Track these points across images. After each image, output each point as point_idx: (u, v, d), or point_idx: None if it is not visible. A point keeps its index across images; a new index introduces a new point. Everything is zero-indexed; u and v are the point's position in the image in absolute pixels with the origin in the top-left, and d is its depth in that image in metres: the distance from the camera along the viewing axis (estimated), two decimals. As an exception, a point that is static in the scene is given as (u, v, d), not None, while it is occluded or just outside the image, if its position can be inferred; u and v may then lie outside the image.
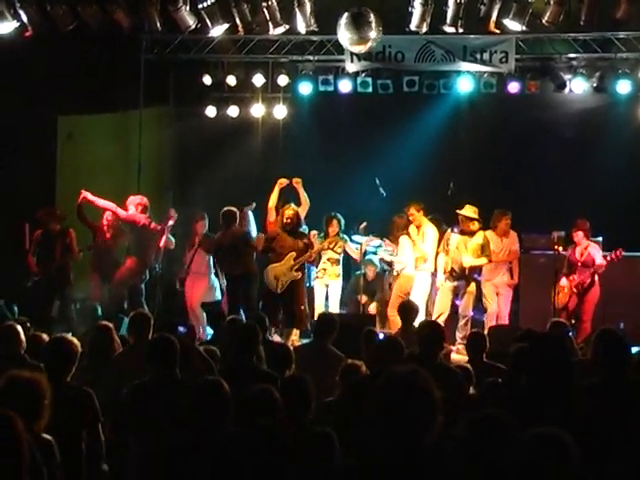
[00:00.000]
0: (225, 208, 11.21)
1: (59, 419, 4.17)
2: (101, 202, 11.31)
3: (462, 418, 3.74)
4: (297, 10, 11.78)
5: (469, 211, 11.11)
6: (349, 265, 11.96)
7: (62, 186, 13.08)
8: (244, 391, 4.81)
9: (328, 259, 11.38)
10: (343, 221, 11.35)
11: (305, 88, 13.11)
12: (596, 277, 10.80)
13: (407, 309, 8.77)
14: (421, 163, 12.60)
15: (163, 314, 10.13)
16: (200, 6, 11.83)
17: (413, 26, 11.72)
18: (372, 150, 12.90)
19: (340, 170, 12.87)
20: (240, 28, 12.22)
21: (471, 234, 11.07)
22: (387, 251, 11.60)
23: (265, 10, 11.83)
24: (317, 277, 11.50)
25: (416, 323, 8.51)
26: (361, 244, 11.35)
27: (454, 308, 11.24)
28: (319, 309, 11.16)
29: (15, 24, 11.82)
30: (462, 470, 3.26)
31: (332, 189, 12.38)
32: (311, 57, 12.96)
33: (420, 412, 3.04)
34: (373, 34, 10.91)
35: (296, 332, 10.80)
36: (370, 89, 12.83)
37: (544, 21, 11.53)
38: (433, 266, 11.22)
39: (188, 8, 11.89)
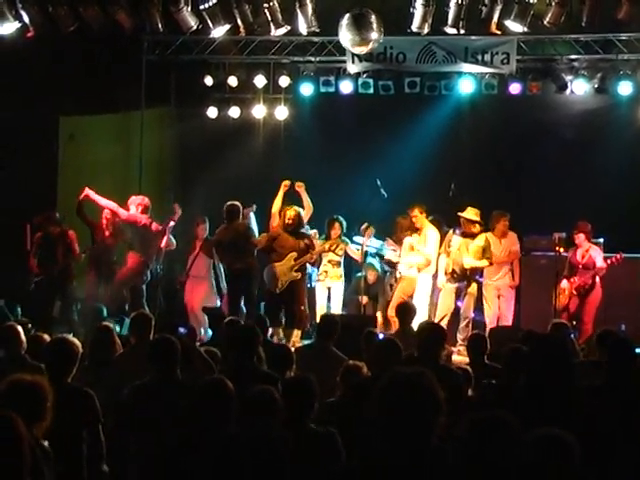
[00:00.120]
0: (229, 202, 11.20)
1: (60, 420, 4.16)
2: (103, 201, 11.29)
3: (463, 419, 3.74)
4: (298, 11, 11.78)
5: (471, 213, 11.11)
6: (350, 267, 11.94)
7: (64, 187, 13.09)
8: (245, 392, 4.81)
9: (329, 261, 11.38)
10: (345, 224, 11.35)
11: (306, 89, 13.11)
12: (597, 279, 10.79)
13: (404, 310, 8.76)
14: (422, 164, 12.60)
15: (164, 315, 10.13)
16: (201, 7, 11.84)
17: (414, 27, 11.73)
18: (373, 151, 12.89)
19: (341, 171, 12.87)
20: (241, 29, 12.23)
21: (473, 236, 11.08)
22: (391, 251, 11.57)
23: (266, 11, 11.83)
24: (319, 280, 11.50)
25: (414, 324, 8.54)
26: (361, 245, 11.34)
27: (455, 309, 11.24)
28: (321, 311, 11.15)
29: (17, 25, 11.83)
30: (464, 471, 3.26)
31: (333, 190, 12.38)
32: (312, 58, 12.97)
33: (423, 413, 3.04)
34: (374, 35, 10.91)
35: (297, 333, 10.80)
36: (371, 90, 12.83)
37: (545, 22, 11.53)
38: (435, 268, 11.21)
39: (190, 9, 11.90)
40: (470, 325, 11.01)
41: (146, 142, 13.26)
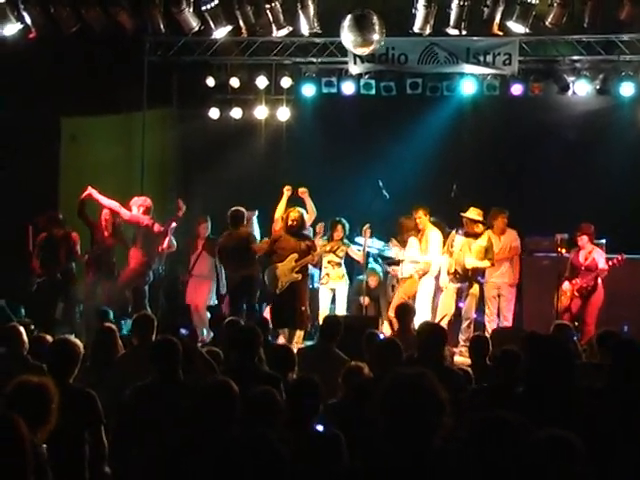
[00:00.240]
0: (233, 208, 11.19)
1: (62, 421, 4.16)
2: (105, 201, 11.27)
3: (465, 419, 3.73)
4: (300, 12, 11.79)
5: (473, 213, 11.11)
6: (352, 268, 11.92)
7: (65, 188, 13.10)
8: (246, 392, 4.81)
9: (329, 262, 11.36)
10: (348, 226, 11.34)
11: (308, 90, 13.12)
12: (599, 280, 10.79)
13: (404, 311, 8.74)
14: (424, 165, 12.60)
15: (166, 316, 10.13)
16: (203, 8, 11.85)
17: (416, 28, 11.73)
18: (375, 152, 12.89)
19: (343, 172, 12.86)
20: (243, 30, 12.24)
21: (475, 236, 11.07)
22: (395, 249, 11.56)
23: (268, 12, 11.83)
24: (322, 283, 11.48)
25: (415, 326, 8.54)
26: (363, 246, 11.33)
27: (457, 310, 11.24)
28: (324, 312, 11.14)
29: (19, 26, 11.85)
30: (468, 472, 3.25)
31: (335, 191, 12.37)
32: (314, 59, 12.97)
33: (425, 414, 3.03)
34: (376, 36, 10.91)
35: (300, 334, 10.79)
36: (373, 91, 12.83)
37: (547, 23, 11.53)
38: (437, 269, 11.20)
39: (191, 10, 11.91)
40: (472, 326, 11.00)
41: (148, 143, 13.26)
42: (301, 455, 4.49)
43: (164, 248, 11.34)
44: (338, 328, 7.53)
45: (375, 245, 11.77)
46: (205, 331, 11.06)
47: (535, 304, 11.26)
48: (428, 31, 11.74)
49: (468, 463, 3.34)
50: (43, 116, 12.51)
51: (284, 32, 12.14)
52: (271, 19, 11.91)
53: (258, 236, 11.59)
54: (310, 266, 11.22)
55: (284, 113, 13.60)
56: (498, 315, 11.20)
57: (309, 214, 11.27)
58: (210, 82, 13.17)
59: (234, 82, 13.19)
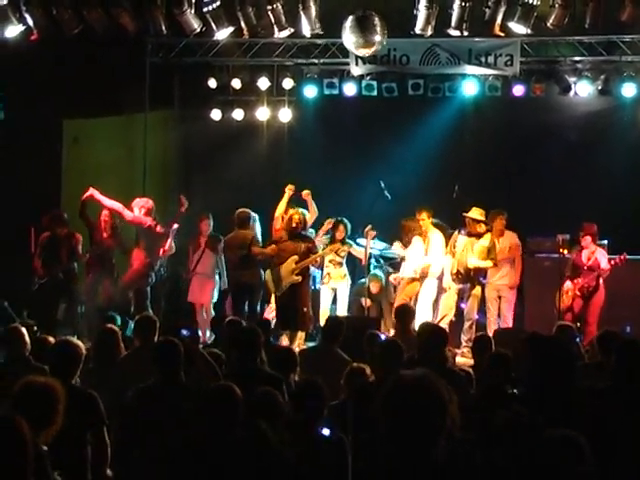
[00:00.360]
0: (240, 209, 11.21)
1: (64, 422, 4.16)
2: (108, 202, 11.25)
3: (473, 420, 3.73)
4: (302, 13, 11.80)
5: (476, 213, 11.11)
6: (354, 269, 11.91)
7: (68, 189, 13.10)
8: (248, 394, 4.81)
9: (330, 261, 11.35)
10: (350, 226, 11.33)
11: (310, 91, 13.12)
12: (601, 280, 10.78)
13: (404, 312, 8.75)
14: (426, 166, 12.61)
15: (167, 317, 10.13)
16: (205, 9, 11.86)
17: (418, 29, 11.73)
18: (377, 153, 12.89)
19: (345, 173, 12.88)
20: (245, 31, 12.24)
21: (478, 236, 11.07)
22: (398, 249, 11.56)
23: (270, 13, 11.84)
24: (323, 283, 11.47)
25: (413, 326, 8.55)
26: (365, 247, 11.33)
27: (458, 311, 11.23)
28: (325, 313, 11.15)
29: (21, 28, 11.87)
30: (474, 474, 3.24)
31: (337, 192, 12.38)
32: (316, 60, 12.97)
33: (429, 415, 3.02)
34: (378, 37, 10.91)
35: (301, 335, 10.80)
36: (375, 92, 12.83)
37: (549, 24, 11.53)
38: (440, 271, 11.20)
39: (193, 11, 11.91)
40: (474, 327, 11.00)
41: (150, 144, 13.27)
42: (305, 458, 4.49)
43: (166, 250, 11.33)
44: (340, 329, 7.53)
45: (377, 246, 11.77)
46: (207, 331, 11.06)
47: (537, 305, 11.25)
48: (430, 32, 11.75)
49: (475, 465, 3.33)
50: (45, 118, 12.52)
51: (286, 33, 12.14)
52: (273, 20, 11.92)
53: (259, 237, 11.60)
54: (312, 267, 11.23)
55: (286, 114, 13.61)
56: (499, 316, 11.19)
57: (311, 214, 11.28)
58: (212, 83, 13.17)
59: (236, 83, 13.19)
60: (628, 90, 12.20)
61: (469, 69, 12.37)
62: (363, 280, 11.55)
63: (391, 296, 11.63)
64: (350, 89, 12.90)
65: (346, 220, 11.32)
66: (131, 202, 11.38)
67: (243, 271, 11.08)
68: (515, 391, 5.15)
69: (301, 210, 11.11)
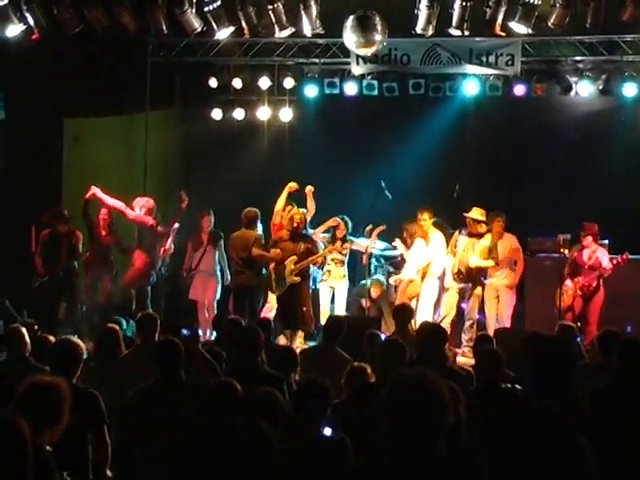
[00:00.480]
0: (248, 208, 11.22)
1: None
2: (110, 200, 11.25)
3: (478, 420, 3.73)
4: (303, 13, 11.79)
5: (476, 213, 11.11)
6: (355, 273, 11.89)
7: (68, 188, 13.09)
8: (249, 393, 4.81)
9: (332, 259, 11.34)
10: (350, 224, 11.33)
11: (311, 91, 13.12)
12: (600, 280, 10.78)
13: (402, 312, 8.75)
14: (427, 166, 12.61)
15: (168, 316, 10.13)
16: (206, 9, 11.85)
17: (419, 29, 11.72)
18: (378, 153, 12.90)
19: (346, 172, 12.87)
20: (246, 31, 12.24)
21: (479, 236, 11.08)
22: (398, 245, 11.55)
23: (271, 13, 11.83)
24: (322, 280, 11.47)
25: (412, 326, 8.55)
26: (366, 247, 11.32)
27: (459, 310, 11.23)
28: (324, 312, 11.15)
29: (22, 27, 11.87)
30: (476, 473, 3.24)
31: (338, 191, 12.38)
32: (317, 60, 12.97)
33: (428, 414, 3.02)
34: (379, 37, 10.91)
35: (301, 335, 10.80)
36: (376, 92, 12.83)
37: (550, 24, 11.52)
38: (441, 271, 11.19)
39: (194, 11, 11.91)
40: (475, 326, 11.01)
41: (150, 144, 13.27)
42: (305, 457, 4.49)
43: (166, 249, 11.33)
44: (341, 328, 7.52)
45: (378, 246, 11.77)
46: (207, 331, 11.06)
47: (537, 304, 11.25)
48: (430, 32, 11.74)
49: (478, 464, 3.33)
50: (46, 117, 12.53)
51: (286, 33, 12.13)
52: (273, 20, 11.91)
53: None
54: (312, 267, 11.23)
55: (286, 114, 13.61)
56: (497, 316, 11.19)
57: (308, 211, 11.25)
58: (213, 83, 13.17)
59: (237, 83, 13.19)
60: (629, 90, 12.19)
61: (470, 69, 12.36)
62: (364, 282, 11.54)
63: (392, 296, 11.62)
64: (351, 89, 12.89)
65: (347, 218, 11.31)
66: (132, 201, 11.39)
67: (244, 272, 11.12)
68: (509, 386, 5.17)
69: (302, 210, 11.12)
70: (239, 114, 13.60)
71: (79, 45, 12.13)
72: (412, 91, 12.69)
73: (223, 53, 12.97)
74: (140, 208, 11.30)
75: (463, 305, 11.23)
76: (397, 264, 11.87)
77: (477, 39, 12.12)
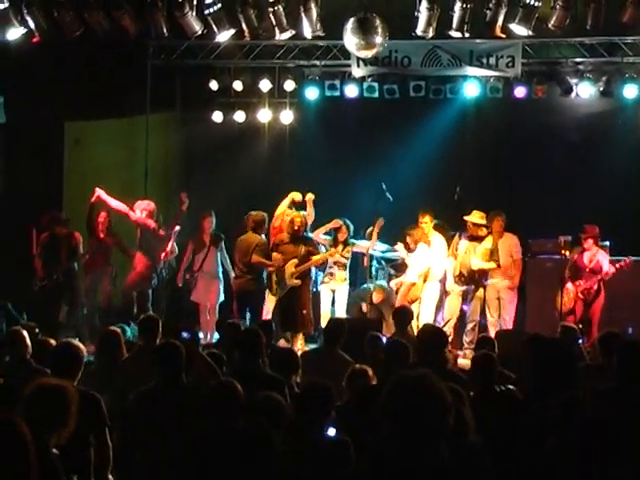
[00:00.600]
0: (255, 212, 11.25)
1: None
2: (114, 203, 11.26)
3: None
4: (303, 15, 11.79)
5: (476, 217, 11.11)
6: (356, 272, 11.88)
7: (69, 191, 13.11)
8: (250, 395, 4.81)
9: (335, 262, 11.32)
10: (352, 227, 11.32)
11: (311, 93, 13.12)
12: (601, 283, 10.78)
13: (402, 314, 8.75)
14: (427, 168, 12.61)
15: (169, 319, 10.13)
16: (206, 12, 11.85)
17: (419, 31, 11.73)
18: (378, 155, 12.90)
19: (346, 175, 12.87)
20: (246, 33, 12.23)
21: (479, 239, 11.08)
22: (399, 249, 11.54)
23: (271, 15, 11.84)
24: (324, 282, 11.45)
25: (412, 329, 8.55)
26: (367, 248, 11.32)
27: (461, 313, 11.22)
28: (325, 314, 11.14)
29: (22, 30, 11.87)
30: (478, 475, 3.24)
31: (338, 194, 12.38)
32: (317, 62, 12.96)
33: (430, 416, 3.02)
34: (379, 39, 10.90)
35: (302, 337, 10.81)
36: (376, 94, 12.82)
37: (550, 25, 11.52)
38: (442, 274, 11.19)
39: (194, 14, 11.91)
40: (476, 328, 11.01)
41: (151, 147, 13.27)
42: (307, 459, 4.48)
43: (167, 252, 11.33)
44: (342, 331, 7.53)
45: (379, 248, 11.76)
46: (209, 334, 11.06)
47: (539, 306, 11.24)
48: (431, 34, 11.74)
49: (480, 467, 3.33)
50: (47, 120, 12.53)
51: (287, 35, 12.14)
52: (274, 22, 11.91)
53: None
54: (313, 268, 11.24)
55: (287, 116, 13.61)
56: (499, 318, 11.19)
57: (308, 218, 11.26)
58: (213, 85, 13.17)
59: (237, 85, 13.19)
60: (629, 91, 12.19)
61: (470, 71, 12.37)
62: (365, 285, 11.53)
63: (393, 299, 11.59)
64: (351, 91, 12.89)
65: (348, 222, 11.31)
66: (133, 204, 11.40)
67: (243, 277, 11.19)
68: (503, 388, 5.17)
69: (302, 213, 11.13)
70: (240, 117, 13.60)
71: (80, 48, 12.14)
72: (413, 93, 12.68)
73: (224, 56, 12.98)
74: (141, 211, 11.32)
75: (464, 307, 11.22)
76: (398, 266, 11.85)
77: (477, 41, 12.12)
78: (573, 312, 10.77)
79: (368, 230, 11.33)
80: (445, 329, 9.70)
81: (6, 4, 11.68)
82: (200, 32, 12.10)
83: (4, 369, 6.50)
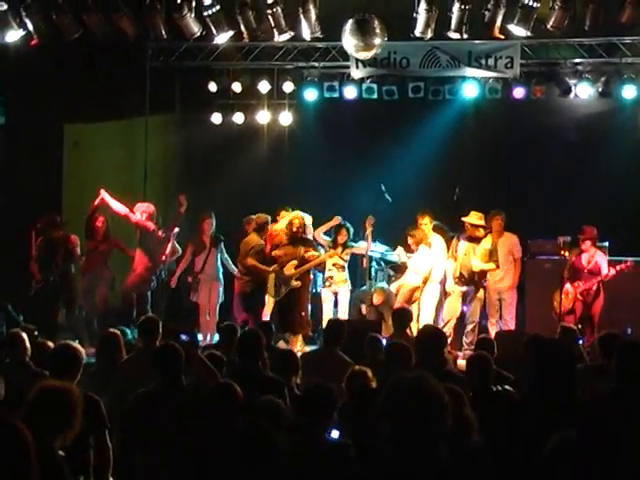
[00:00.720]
0: (259, 214, 11.31)
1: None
2: (116, 205, 11.27)
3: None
4: (302, 17, 11.79)
5: (474, 218, 11.11)
6: (355, 273, 11.88)
7: (68, 193, 13.12)
8: (250, 397, 4.81)
9: (334, 264, 11.32)
10: (352, 230, 11.32)
11: (310, 94, 13.13)
12: (600, 284, 10.78)
13: (401, 315, 8.75)
14: (426, 169, 12.61)
15: (168, 321, 10.13)
16: (205, 13, 11.84)
17: (418, 32, 11.72)
18: (377, 156, 12.90)
19: (345, 176, 12.87)
20: (245, 35, 12.23)
21: (478, 240, 11.08)
22: (397, 255, 11.54)
23: (270, 17, 11.83)
24: (325, 286, 11.42)
25: (411, 330, 8.54)
26: (365, 249, 11.31)
27: (461, 314, 11.22)
28: (327, 316, 11.12)
29: (21, 33, 11.87)
30: (477, 476, 3.24)
31: (337, 195, 12.39)
32: (316, 63, 12.97)
33: (428, 417, 3.02)
34: (378, 40, 10.90)
35: (300, 338, 10.81)
36: (375, 95, 12.84)
37: (549, 26, 11.51)
38: (442, 275, 11.18)
39: (193, 15, 11.90)
40: (476, 329, 11.01)
41: (150, 148, 13.28)
42: (308, 461, 4.48)
43: (167, 254, 11.32)
44: (342, 332, 7.53)
45: (378, 249, 11.76)
46: (209, 335, 11.06)
47: (538, 307, 11.24)
48: (429, 35, 11.73)
49: (480, 467, 3.33)
50: (46, 122, 12.54)
51: (286, 37, 12.13)
52: (272, 24, 11.91)
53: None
54: (313, 269, 11.25)
55: (286, 118, 13.62)
56: (500, 318, 11.19)
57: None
58: (212, 87, 13.17)
59: (236, 87, 13.19)
60: (628, 92, 12.20)
61: (469, 72, 12.37)
62: (365, 287, 11.53)
63: (393, 301, 11.59)
64: (350, 92, 12.90)
65: (348, 224, 11.30)
66: (132, 207, 11.40)
67: (242, 278, 11.26)
68: (499, 388, 5.18)
69: (301, 214, 11.12)
70: (239, 118, 13.60)
71: (78, 50, 12.15)
72: (411, 94, 12.70)
73: (222, 57, 12.98)
74: (141, 214, 11.32)
75: (464, 308, 11.22)
76: (397, 268, 11.85)
77: (476, 42, 12.13)
78: (572, 313, 10.78)
79: (367, 232, 11.31)
80: (445, 330, 9.69)
81: (5, 6, 11.68)
82: (199, 34, 12.09)
83: (4, 371, 6.50)
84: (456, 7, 11.39)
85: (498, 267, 11.05)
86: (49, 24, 11.82)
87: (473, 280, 11.10)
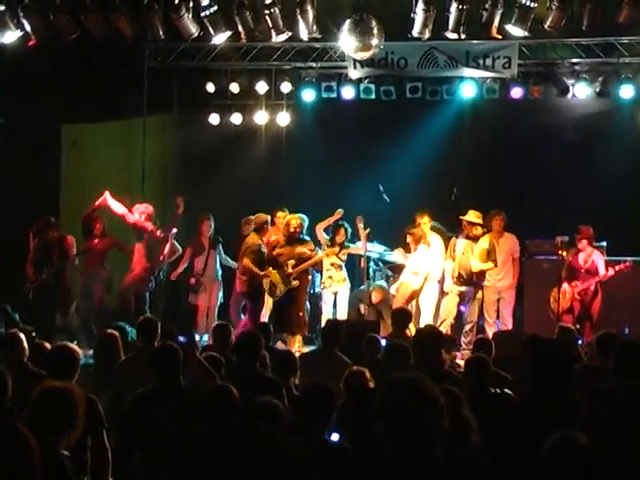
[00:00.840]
0: (258, 214, 11.29)
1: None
2: (117, 206, 11.27)
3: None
4: (299, 17, 11.78)
5: (472, 216, 11.11)
6: (353, 273, 11.89)
7: (66, 194, 13.12)
8: (248, 397, 4.80)
9: (332, 264, 11.32)
10: (350, 230, 11.32)
11: (308, 95, 13.13)
12: (598, 284, 10.79)
13: (400, 315, 8.76)
14: (424, 169, 12.62)
15: (167, 321, 10.12)
16: (203, 14, 11.84)
17: (415, 32, 11.72)
18: (375, 156, 12.90)
19: (343, 176, 12.88)
20: (243, 35, 12.23)
21: (475, 239, 11.08)
22: (397, 255, 11.54)
23: (267, 17, 11.83)
24: (325, 287, 11.41)
25: (409, 330, 8.55)
26: (363, 252, 11.31)
27: (459, 314, 11.22)
28: (327, 316, 11.12)
29: (19, 33, 11.86)
30: (474, 476, 3.24)
31: (335, 195, 12.37)
32: (314, 64, 12.98)
33: (424, 418, 3.03)
34: (375, 41, 10.90)
35: (299, 339, 10.81)
36: (373, 95, 12.84)
37: (546, 26, 11.52)
38: (440, 274, 11.19)
39: (191, 16, 11.90)
40: (474, 329, 11.01)
41: (148, 149, 13.27)
42: (306, 462, 4.48)
43: (165, 255, 11.31)
44: (340, 332, 7.53)
45: (376, 249, 11.76)
46: (206, 336, 11.05)
47: (536, 307, 11.25)
48: (427, 35, 11.73)
49: (479, 468, 3.33)
50: (44, 123, 12.53)
51: (283, 37, 12.13)
52: (270, 24, 11.90)
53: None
54: (311, 269, 11.25)
55: (284, 118, 13.61)
56: (498, 318, 11.20)
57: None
58: (210, 88, 13.17)
59: (234, 87, 13.19)
60: (626, 92, 12.21)
61: (467, 72, 12.38)
62: (363, 287, 11.53)
63: (392, 300, 11.59)
64: (348, 92, 12.90)
65: (347, 225, 11.30)
66: (131, 207, 11.39)
67: (240, 278, 11.27)
68: (498, 391, 5.18)
69: (299, 215, 11.12)
70: (237, 119, 13.59)
71: (76, 51, 12.14)
72: (409, 95, 12.70)
73: (220, 58, 12.99)
74: (140, 215, 11.30)
75: (462, 308, 11.23)
76: (395, 268, 11.86)
77: (474, 42, 12.14)
78: (570, 312, 10.79)
79: (366, 232, 11.31)
80: (440, 329, 9.70)
81: (2, 7, 11.68)
82: (196, 34, 12.09)
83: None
84: (454, 7, 11.39)
85: (496, 266, 11.05)
86: (47, 25, 11.82)
87: (472, 280, 11.10)
